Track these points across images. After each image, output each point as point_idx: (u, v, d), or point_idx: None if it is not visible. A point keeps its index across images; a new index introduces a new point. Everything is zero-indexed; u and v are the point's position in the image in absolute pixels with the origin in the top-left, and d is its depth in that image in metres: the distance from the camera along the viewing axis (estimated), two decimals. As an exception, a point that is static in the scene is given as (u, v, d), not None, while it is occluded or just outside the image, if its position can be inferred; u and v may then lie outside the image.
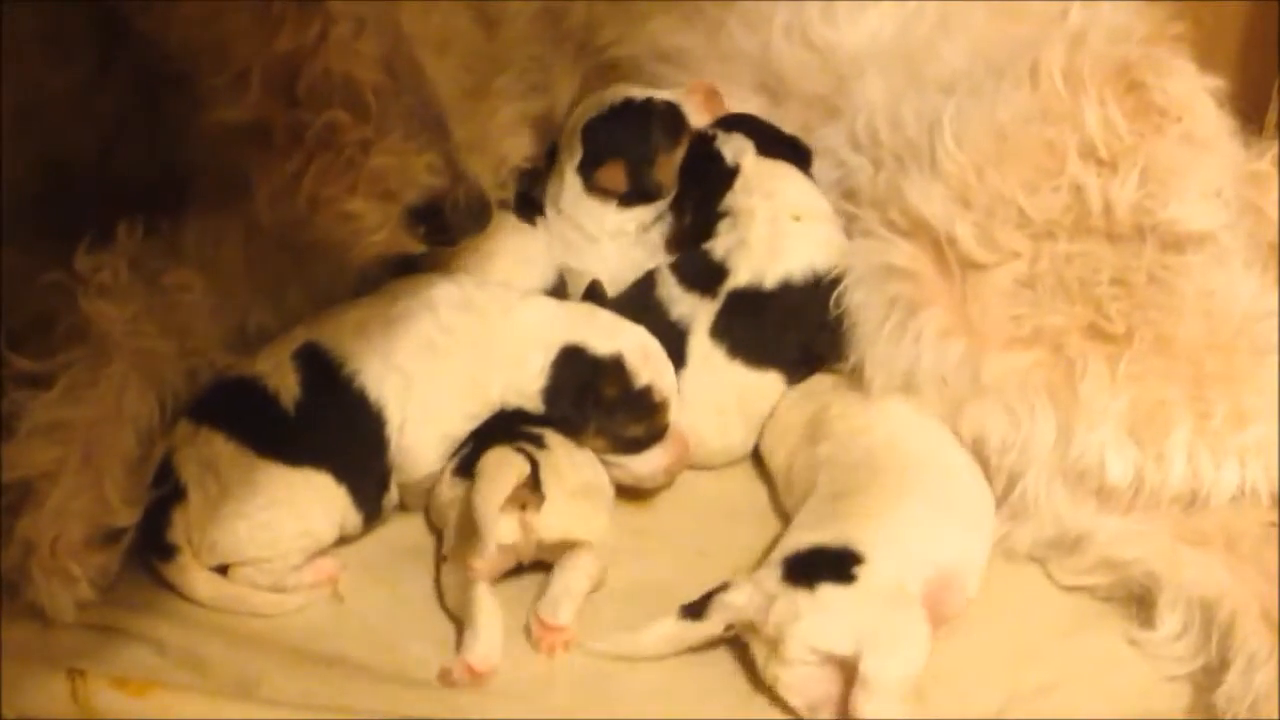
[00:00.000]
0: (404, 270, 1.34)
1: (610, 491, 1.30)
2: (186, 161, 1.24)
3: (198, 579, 1.21)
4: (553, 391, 1.29)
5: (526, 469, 1.20)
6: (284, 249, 1.24)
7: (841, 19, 1.46)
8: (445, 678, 1.17)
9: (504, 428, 1.27)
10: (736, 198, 1.43)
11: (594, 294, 1.40)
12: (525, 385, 1.29)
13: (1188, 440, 1.22)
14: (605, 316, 1.34)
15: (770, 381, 1.39)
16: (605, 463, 1.31)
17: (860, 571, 1.16)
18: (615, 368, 1.30)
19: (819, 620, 1.13)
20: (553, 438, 1.27)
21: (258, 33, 1.10)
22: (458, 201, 1.17)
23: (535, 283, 1.41)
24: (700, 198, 1.46)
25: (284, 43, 1.10)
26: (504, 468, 1.20)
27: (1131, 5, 1.42)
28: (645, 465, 1.33)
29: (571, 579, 1.22)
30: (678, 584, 1.26)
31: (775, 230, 1.40)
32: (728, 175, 1.44)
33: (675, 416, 1.33)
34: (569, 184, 1.48)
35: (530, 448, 1.23)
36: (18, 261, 1.25)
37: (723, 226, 1.43)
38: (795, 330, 1.39)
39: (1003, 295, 1.29)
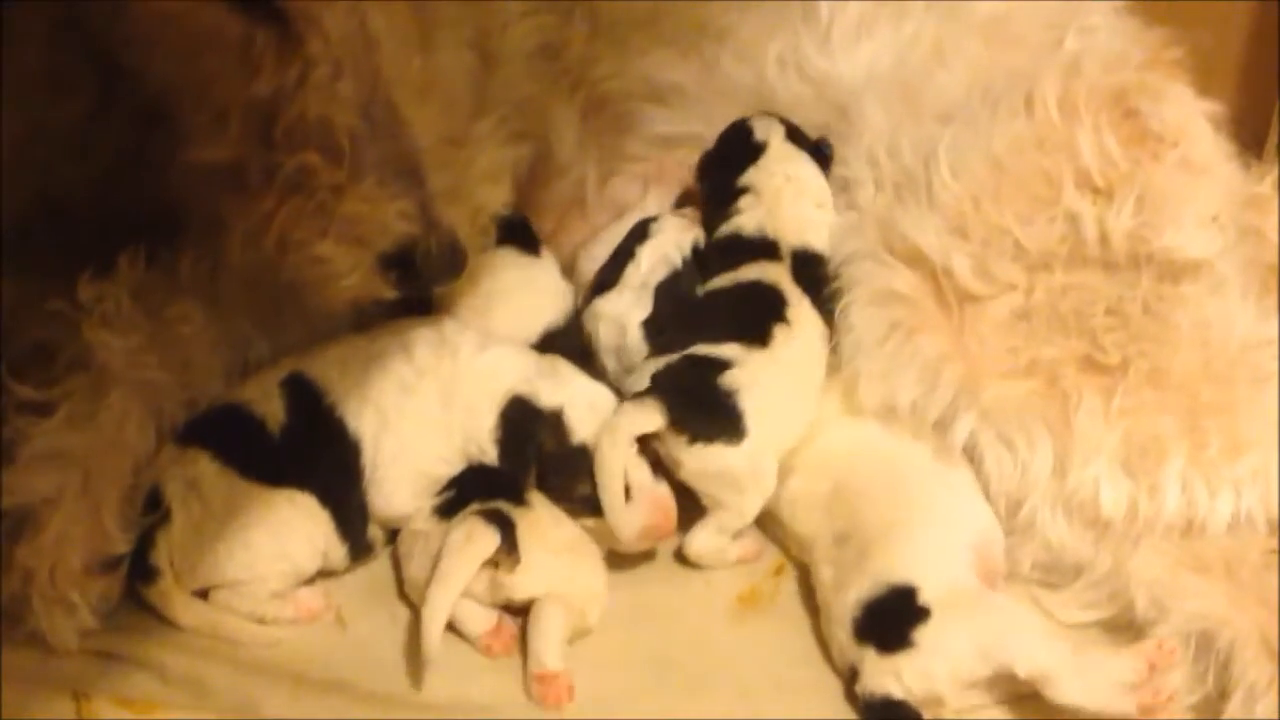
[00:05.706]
0: (401, 308, 1.33)
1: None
2: (176, 198, 1.24)
3: (179, 602, 1.22)
4: (504, 442, 1.28)
5: (494, 544, 1.18)
6: (282, 285, 1.25)
7: (837, 50, 1.46)
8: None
9: (486, 481, 1.26)
10: (760, 175, 1.43)
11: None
12: (479, 434, 1.28)
13: (1182, 471, 1.21)
14: (565, 369, 1.33)
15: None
16: (581, 526, 1.27)
17: (925, 601, 1.17)
18: (553, 421, 1.27)
19: (944, 662, 1.15)
20: (535, 493, 1.26)
21: (238, 73, 1.11)
22: (430, 249, 1.16)
23: (549, 315, 1.41)
24: (724, 172, 1.47)
25: (263, 84, 1.11)
26: (467, 549, 1.18)
27: (1128, 31, 1.42)
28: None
29: (546, 626, 1.20)
30: (676, 608, 1.28)
31: (799, 212, 1.41)
32: (755, 150, 1.45)
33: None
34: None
35: (508, 507, 1.22)
36: (19, 289, 1.27)
37: (744, 202, 1.43)
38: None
39: (999, 327, 1.28)
